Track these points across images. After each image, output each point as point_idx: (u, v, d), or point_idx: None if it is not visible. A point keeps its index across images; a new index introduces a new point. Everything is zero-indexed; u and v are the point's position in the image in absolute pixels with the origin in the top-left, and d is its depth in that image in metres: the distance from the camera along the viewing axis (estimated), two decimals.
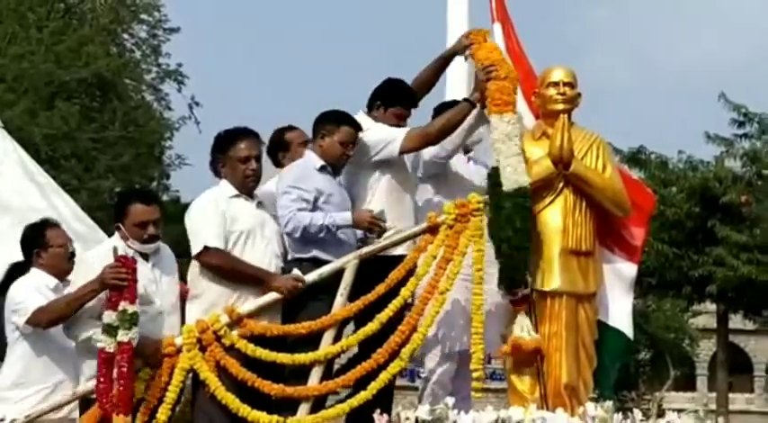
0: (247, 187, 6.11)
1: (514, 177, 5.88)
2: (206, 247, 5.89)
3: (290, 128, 6.88)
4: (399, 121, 6.53)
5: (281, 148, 6.78)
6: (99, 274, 5.68)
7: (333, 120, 6.30)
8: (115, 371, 5.55)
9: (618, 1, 77.63)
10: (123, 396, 5.56)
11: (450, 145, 6.41)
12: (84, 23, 20.99)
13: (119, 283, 5.60)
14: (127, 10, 22.05)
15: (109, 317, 5.58)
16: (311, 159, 6.28)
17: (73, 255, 6.25)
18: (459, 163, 6.72)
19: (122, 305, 5.58)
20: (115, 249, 5.73)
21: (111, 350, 5.56)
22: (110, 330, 5.57)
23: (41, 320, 5.90)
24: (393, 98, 6.54)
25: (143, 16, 22.46)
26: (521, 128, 6.22)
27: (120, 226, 5.94)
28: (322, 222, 6.03)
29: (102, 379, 5.59)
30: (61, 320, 5.85)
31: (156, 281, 5.91)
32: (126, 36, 22.58)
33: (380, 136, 6.33)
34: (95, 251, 6.03)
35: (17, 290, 6.11)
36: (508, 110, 6.04)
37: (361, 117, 6.46)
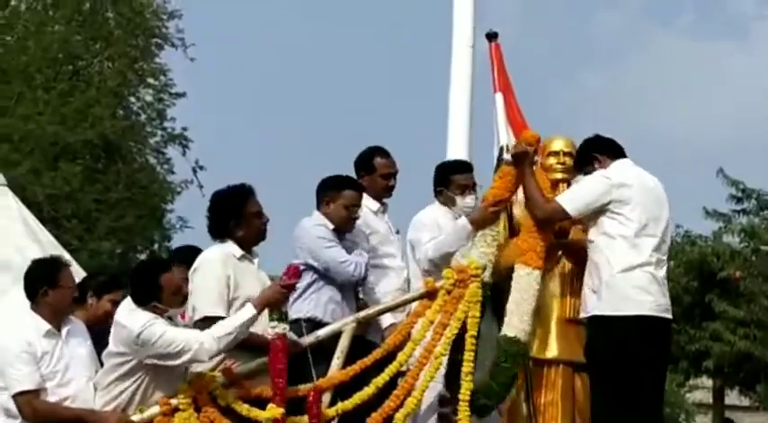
0: (259, 242, 6.17)
1: (521, 326, 6.01)
2: (205, 318, 5.89)
3: (383, 152, 6.81)
4: None
5: (366, 169, 6.75)
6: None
7: (334, 185, 6.41)
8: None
9: (615, 71, 78.44)
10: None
11: (440, 259, 6.40)
12: (91, 86, 21.11)
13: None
14: (134, 74, 22.20)
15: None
16: (323, 221, 6.38)
17: (75, 300, 6.08)
18: None
19: None
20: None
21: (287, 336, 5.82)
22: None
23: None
24: None
25: (150, 80, 22.61)
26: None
27: None
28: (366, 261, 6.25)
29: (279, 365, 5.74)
30: None
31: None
32: (132, 99, 22.71)
33: None
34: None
35: (6, 349, 5.83)
36: (529, 263, 6.09)
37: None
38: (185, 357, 5.69)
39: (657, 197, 6.07)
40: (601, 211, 5.95)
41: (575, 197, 6.03)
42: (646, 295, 5.90)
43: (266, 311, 5.99)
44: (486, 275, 6.08)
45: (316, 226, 6.34)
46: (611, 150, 6.20)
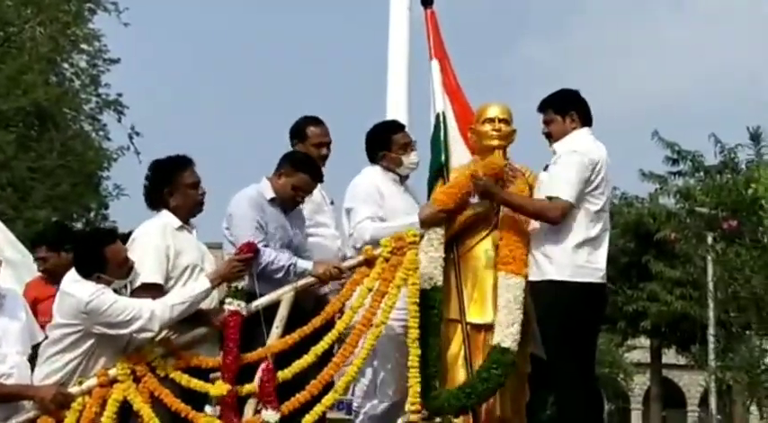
0: (195, 213, 6.12)
1: (513, 336, 6.02)
2: (143, 285, 5.85)
3: (316, 121, 6.82)
4: None
5: (299, 137, 6.75)
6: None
7: (294, 163, 6.31)
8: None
9: (552, 37, 78.79)
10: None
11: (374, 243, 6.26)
12: (24, 52, 20.80)
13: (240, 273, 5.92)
14: (67, 40, 21.88)
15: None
16: (265, 189, 6.29)
17: None
18: None
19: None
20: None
21: (245, 313, 5.84)
22: (238, 295, 5.88)
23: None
24: None
25: (83, 46, 22.32)
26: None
27: None
28: (285, 264, 6.04)
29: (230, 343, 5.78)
30: None
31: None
32: (66, 66, 22.41)
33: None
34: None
35: None
36: (518, 271, 6.13)
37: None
38: (136, 325, 5.66)
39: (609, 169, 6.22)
40: None
41: (570, 186, 6.07)
42: (597, 264, 6.13)
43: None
44: (439, 279, 6.13)
45: (250, 201, 6.18)
46: (586, 116, 6.33)
